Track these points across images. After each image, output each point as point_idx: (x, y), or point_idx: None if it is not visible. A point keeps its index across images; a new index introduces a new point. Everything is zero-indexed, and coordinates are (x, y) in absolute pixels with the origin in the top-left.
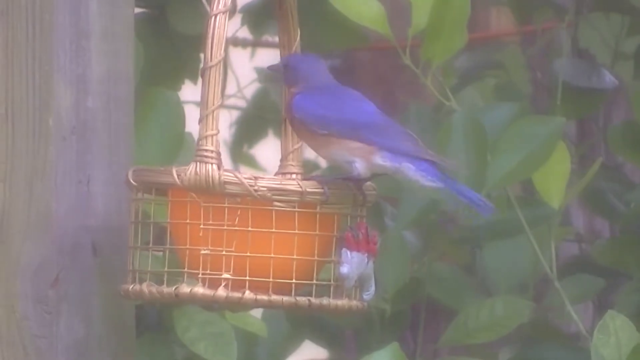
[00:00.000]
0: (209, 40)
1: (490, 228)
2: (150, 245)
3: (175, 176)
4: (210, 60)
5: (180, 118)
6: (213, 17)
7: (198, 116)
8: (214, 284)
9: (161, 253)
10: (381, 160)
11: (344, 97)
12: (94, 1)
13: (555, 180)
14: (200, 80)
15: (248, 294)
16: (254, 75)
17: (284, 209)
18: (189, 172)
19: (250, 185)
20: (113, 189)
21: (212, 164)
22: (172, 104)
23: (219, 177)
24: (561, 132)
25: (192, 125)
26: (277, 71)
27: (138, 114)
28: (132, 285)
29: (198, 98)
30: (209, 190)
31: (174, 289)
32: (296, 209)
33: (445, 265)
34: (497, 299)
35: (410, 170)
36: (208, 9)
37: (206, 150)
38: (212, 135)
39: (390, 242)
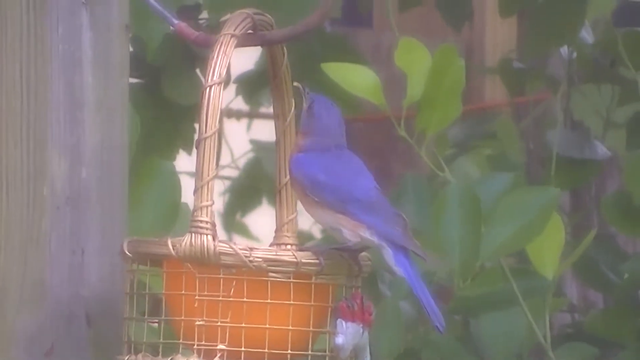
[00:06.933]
0: (204, 112)
1: (485, 299)
2: (146, 316)
3: (171, 247)
4: (205, 132)
5: (176, 188)
6: (208, 88)
7: (192, 186)
8: (209, 355)
9: (156, 324)
10: (368, 234)
11: (344, 167)
12: (89, 72)
13: (550, 251)
14: (194, 150)
15: None
16: (248, 146)
17: (279, 279)
18: (184, 243)
19: (246, 256)
20: (107, 259)
21: (207, 235)
22: (167, 173)
23: (214, 248)
24: (556, 203)
25: (186, 196)
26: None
27: (134, 184)
28: (127, 357)
29: (192, 168)
30: (204, 262)
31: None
32: (291, 280)
33: (441, 336)
34: None
35: (388, 256)
36: (202, 79)
37: (201, 222)
38: (207, 206)
39: (386, 312)
